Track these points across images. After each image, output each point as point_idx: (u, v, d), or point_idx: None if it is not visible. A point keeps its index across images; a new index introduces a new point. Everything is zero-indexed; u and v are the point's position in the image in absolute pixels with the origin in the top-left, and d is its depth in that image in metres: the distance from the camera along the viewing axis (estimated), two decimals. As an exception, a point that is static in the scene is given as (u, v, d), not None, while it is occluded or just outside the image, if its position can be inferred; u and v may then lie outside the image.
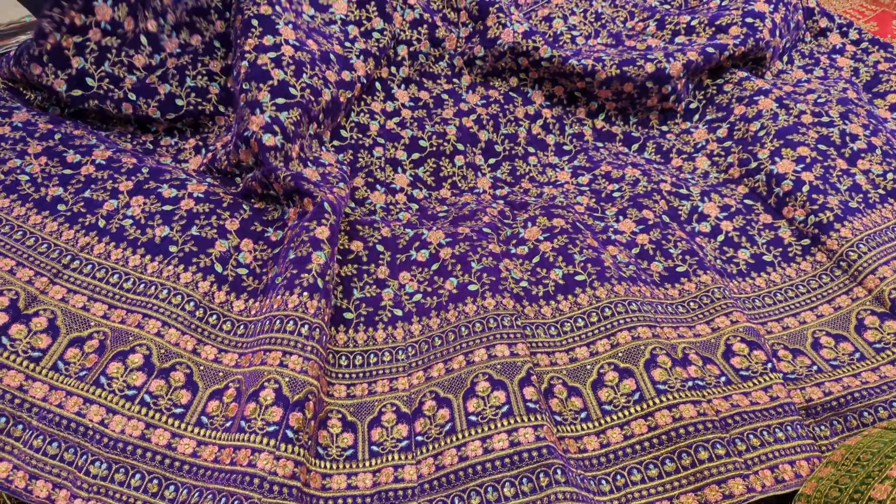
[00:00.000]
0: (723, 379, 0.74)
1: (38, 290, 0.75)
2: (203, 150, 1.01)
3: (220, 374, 0.72)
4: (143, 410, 0.68)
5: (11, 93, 0.98)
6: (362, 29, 1.07)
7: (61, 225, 0.82)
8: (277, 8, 0.98)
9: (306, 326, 0.72)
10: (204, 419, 0.69)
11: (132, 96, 0.96)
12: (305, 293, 0.74)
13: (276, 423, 0.65)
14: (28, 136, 0.91)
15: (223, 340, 0.75)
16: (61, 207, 0.83)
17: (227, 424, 0.67)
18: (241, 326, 0.77)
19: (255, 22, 0.95)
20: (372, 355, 0.77)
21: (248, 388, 0.68)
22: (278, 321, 0.72)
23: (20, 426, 0.66)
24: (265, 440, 0.64)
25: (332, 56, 1.01)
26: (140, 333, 0.73)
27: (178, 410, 0.69)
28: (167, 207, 0.84)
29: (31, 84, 0.96)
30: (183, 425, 0.68)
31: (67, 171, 0.87)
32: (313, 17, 1.07)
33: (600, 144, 1.10)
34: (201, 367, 0.72)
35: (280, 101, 0.91)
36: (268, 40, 0.95)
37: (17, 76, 0.96)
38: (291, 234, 0.81)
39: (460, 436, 0.67)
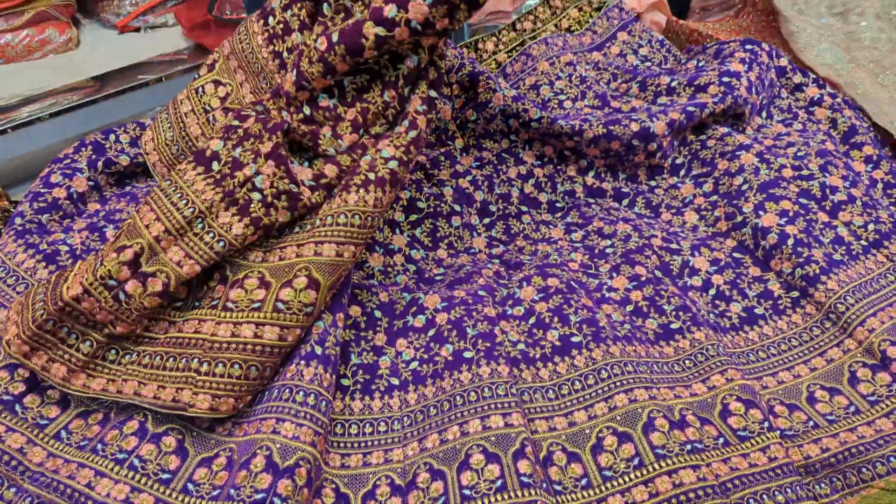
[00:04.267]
0: (721, 440, 0.75)
1: None
2: None
3: (212, 441, 0.73)
4: (131, 474, 0.68)
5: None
6: None
7: None
8: None
9: (301, 393, 0.72)
10: (190, 486, 0.68)
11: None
12: (302, 361, 0.75)
13: (264, 490, 0.64)
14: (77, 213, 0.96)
15: None
16: None
17: (215, 493, 0.67)
18: None
19: None
20: (367, 425, 0.78)
21: (240, 457, 0.68)
22: (276, 390, 0.73)
23: (12, 489, 0.67)
24: None
25: None
26: (140, 400, 0.74)
27: (165, 476, 0.69)
28: None
29: None
30: (168, 491, 0.68)
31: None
32: None
33: (591, 200, 1.13)
34: (193, 434, 0.73)
35: None
36: None
37: None
38: None
39: (454, 510, 0.67)
